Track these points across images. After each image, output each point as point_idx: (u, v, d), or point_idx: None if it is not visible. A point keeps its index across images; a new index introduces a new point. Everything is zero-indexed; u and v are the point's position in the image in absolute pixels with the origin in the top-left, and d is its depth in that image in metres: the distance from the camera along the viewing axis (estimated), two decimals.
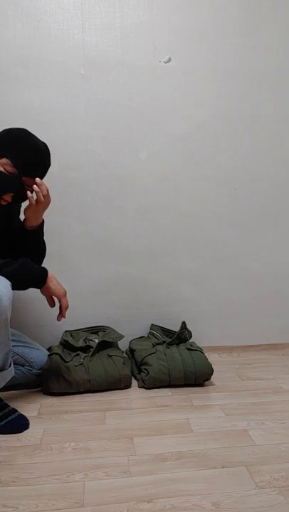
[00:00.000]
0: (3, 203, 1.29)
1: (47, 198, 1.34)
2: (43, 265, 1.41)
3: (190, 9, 1.75)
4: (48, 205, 1.38)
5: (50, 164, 1.35)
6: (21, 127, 1.32)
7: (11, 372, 1.24)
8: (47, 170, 1.35)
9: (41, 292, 1.35)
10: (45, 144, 1.33)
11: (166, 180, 1.82)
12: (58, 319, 1.39)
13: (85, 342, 1.64)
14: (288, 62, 1.84)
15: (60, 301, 1.37)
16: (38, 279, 1.31)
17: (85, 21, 1.70)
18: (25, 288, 1.32)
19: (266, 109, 1.85)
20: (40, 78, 1.69)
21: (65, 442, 1.18)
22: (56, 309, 1.39)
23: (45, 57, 1.69)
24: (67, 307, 1.38)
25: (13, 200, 1.30)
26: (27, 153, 1.26)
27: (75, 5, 1.69)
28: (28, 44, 1.67)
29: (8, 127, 1.31)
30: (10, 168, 1.24)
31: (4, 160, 1.24)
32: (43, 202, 1.34)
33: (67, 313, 1.40)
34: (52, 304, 1.38)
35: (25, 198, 1.33)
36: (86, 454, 1.12)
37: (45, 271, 1.32)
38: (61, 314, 1.38)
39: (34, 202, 1.33)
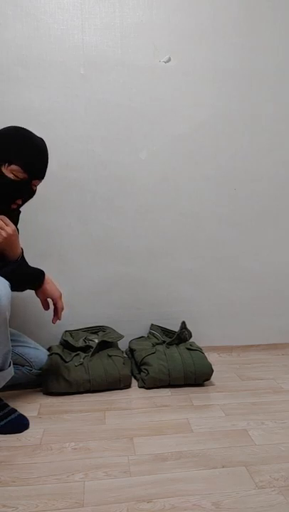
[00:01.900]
0: (14, 206, 1.29)
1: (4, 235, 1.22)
2: (41, 266, 1.41)
3: (190, 9, 1.75)
4: (12, 240, 1.25)
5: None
6: (19, 126, 1.28)
7: (10, 372, 1.24)
8: (47, 167, 1.35)
9: (36, 294, 1.35)
10: (41, 139, 1.31)
11: (166, 180, 1.82)
12: (53, 322, 1.38)
13: (85, 342, 1.64)
14: (288, 62, 1.84)
15: (55, 303, 1.37)
16: (36, 280, 1.31)
17: (85, 21, 1.70)
18: (22, 289, 1.32)
19: (266, 109, 1.85)
20: (40, 78, 1.69)
21: (65, 442, 1.18)
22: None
23: (45, 57, 1.69)
24: (62, 309, 1.38)
25: (22, 202, 1.31)
26: (38, 160, 1.26)
27: (74, 5, 1.69)
28: (28, 44, 1.67)
29: (4, 126, 1.28)
30: (21, 174, 1.24)
31: (14, 166, 1.22)
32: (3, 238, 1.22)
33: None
34: (46, 307, 1.38)
35: (28, 198, 1.34)
36: (86, 454, 1.12)
37: (42, 272, 1.33)
38: (56, 316, 1.38)
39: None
